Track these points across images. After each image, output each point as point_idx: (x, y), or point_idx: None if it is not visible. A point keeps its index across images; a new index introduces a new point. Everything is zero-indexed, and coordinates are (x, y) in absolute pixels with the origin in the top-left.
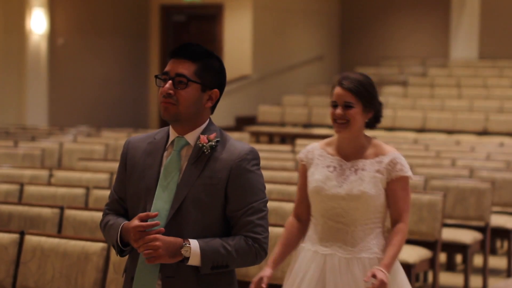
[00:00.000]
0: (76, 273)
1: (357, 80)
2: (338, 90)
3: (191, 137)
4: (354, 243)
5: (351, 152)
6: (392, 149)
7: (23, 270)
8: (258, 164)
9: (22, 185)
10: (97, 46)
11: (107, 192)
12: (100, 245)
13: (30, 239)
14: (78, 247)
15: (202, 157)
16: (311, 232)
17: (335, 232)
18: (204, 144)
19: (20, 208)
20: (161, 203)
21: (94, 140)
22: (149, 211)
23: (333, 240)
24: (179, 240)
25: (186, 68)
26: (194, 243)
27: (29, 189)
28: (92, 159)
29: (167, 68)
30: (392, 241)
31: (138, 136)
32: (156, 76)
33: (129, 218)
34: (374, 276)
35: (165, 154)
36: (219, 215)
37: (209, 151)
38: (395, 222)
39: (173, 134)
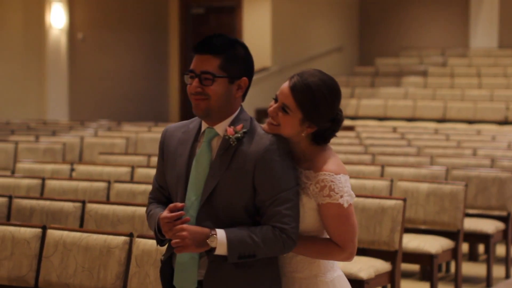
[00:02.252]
0: (98, 267)
1: (309, 86)
2: (285, 85)
3: (220, 128)
4: (295, 261)
5: (295, 155)
6: (329, 168)
7: (46, 264)
8: (286, 153)
9: (43, 179)
10: (116, 40)
11: (128, 186)
12: (122, 239)
13: (52, 234)
14: (100, 241)
15: (229, 148)
16: None
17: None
18: (231, 136)
19: (42, 203)
20: (192, 193)
21: (114, 134)
22: (181, 200)
23: (283, 257)
24: (206, 230)
25: (210, 64)
26: (220, 233)
27: (51, 183)
28: (113, 153)
29: (192, 66)
30: (326, 239)
31: (175, 124)
32: (184, 74)
33: None
34: None
35: (196, 144)
36: (247, 206)
37: (235, 142)
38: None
39: (204, 125)
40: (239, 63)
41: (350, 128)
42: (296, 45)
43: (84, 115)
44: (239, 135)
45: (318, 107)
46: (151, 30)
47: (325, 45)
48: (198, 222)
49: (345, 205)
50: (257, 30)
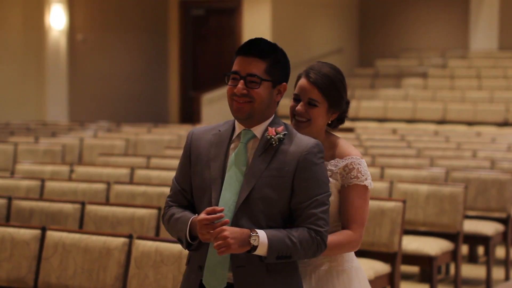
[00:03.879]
0: (97, 268)
1: (327, 75)
2: (303, 82)
3: (258, 130)
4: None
5: None
6: (353, 152)
7: (45, 265)
8: (323, 157)
9: (43, 181)
10: (116, 41)
11: (127, 187)
12: (122, 240)
13: (52, 235)
14: (99, 242)
15: (269, 149)
16: None
17: None
18: (272, 136)
19: (41, 204)
20: (229, 194)
21: (114, 136)
22: (216, 202)
23: None
24: (246, 230)
25: (257, 67)
26: (261, 233)
27: (50, 184)
28: (112, 154)
29: (236, 67)
30: (334, 234)
31: (202, 127)
32: (225, 74)
33: (195, 208)
34: None
35: (231, 146)
36: (284, 207)
37: (277, 143)
38: (343, 229)
39: (239, 127)
40: (281, 68)
41: (350, 130)
42: (296, 46)
43: (84, 116)
44: (281, 136)
45: (339, 91)
46: (151, 32)
47: (325, 46)
48: (235, 223)
49: (369, 187)
50: (257, 32)
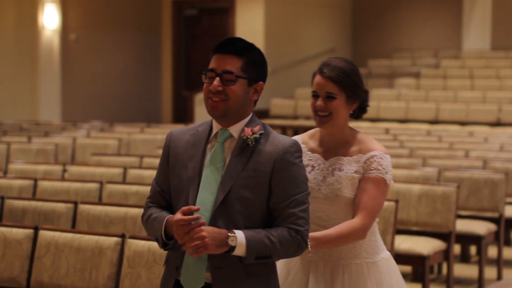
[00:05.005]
0: (90, 268)
1: (340, 68)
2: (318, 78)
3: (235, 130)
4: (338, 249)
5: (333, 148)
6: (377, 147)
7: (38, 265)
8: (301, 156)
9: (36, 180)
10: (109, 41)
11: (120, 187)
12: (114, 240)
13: (44, 234)
14: (92, 242)
15: (246, 149)
16: None
17: None
18: (249, 136)
19: (34, 203)
20: (207, 194)
21: (107, 135)
22: (193, 202)
23: None
24: (224, 231)
25: (232, 64)
26: (239, 234)
27: (43, 184)
28: (105, 154)
29: (213, 65)
30: (338, 226)
31: (181, 128)
32: (202, 72)
33: (172, 209)
34: None
35: (208, 146)
36: (262, 207)
37: (253, 143)
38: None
39: (216, 127)
40: (258, 67)
41: None
42: (289, 46)
43: (77, 116)
44: (257, 136)
45: (354, 81)
46: (144, 31)
47: (318, 46)
48: (212, 224)
49: (388, 182)
50: (250, 32)
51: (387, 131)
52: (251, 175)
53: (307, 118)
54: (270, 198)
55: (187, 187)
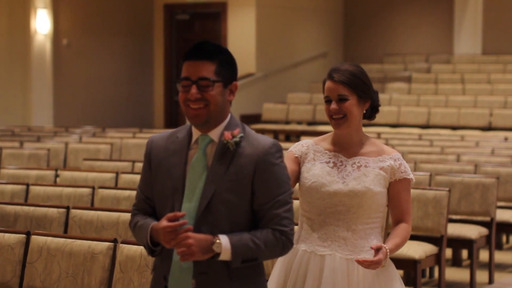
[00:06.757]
0: (82, 273)
1: (348, 71)
2: (329, 84)
3: (215, 134)
4: (355, 243)
5: (350, 148)
6: (395, 150)
7: (30, 270)
8: (282, 156)
9: (28, 185)
10: (101, 46)
11: (112, 192)
12: (106, 245)
13: (36, 239)
14: (84, 247)
15: (227, 153)
16: (305, 232)
17: (334, 231)
18: (229, 140)
19: (26, 209)
20: (191, 201)
21: (99, 140)
22: (178, 209)
23: (332, 240)
24: (209, 236)
25: (206, 70)
26: (224, 239)
27: (35, 189)
28: (97, 159)
29: (186, 73)
30: (396, 232)
31: (160, 134)
32: (176, 81)
33: (157, 216)
34: (376, 250)
35: (190, 153)
36: (247, 209)
37: (234, 147)
38: (398, 222)
39: (196, 133)
40: (230, 68)
41: None
42: (281, 51)
43: (69, 121)
44: (237, 139)
45: (364, 81)
46: (136, 36)
47: (310, 51)
48: (197, 229)
49: (413, 178)
50: (242, 36)
51: (378, 135)
52: (233, 178)
53: (299, 122)
54: (254, 200)
55: (172, 195)
